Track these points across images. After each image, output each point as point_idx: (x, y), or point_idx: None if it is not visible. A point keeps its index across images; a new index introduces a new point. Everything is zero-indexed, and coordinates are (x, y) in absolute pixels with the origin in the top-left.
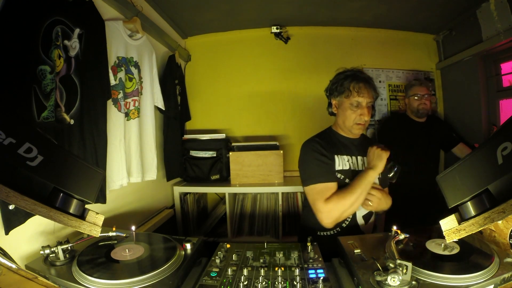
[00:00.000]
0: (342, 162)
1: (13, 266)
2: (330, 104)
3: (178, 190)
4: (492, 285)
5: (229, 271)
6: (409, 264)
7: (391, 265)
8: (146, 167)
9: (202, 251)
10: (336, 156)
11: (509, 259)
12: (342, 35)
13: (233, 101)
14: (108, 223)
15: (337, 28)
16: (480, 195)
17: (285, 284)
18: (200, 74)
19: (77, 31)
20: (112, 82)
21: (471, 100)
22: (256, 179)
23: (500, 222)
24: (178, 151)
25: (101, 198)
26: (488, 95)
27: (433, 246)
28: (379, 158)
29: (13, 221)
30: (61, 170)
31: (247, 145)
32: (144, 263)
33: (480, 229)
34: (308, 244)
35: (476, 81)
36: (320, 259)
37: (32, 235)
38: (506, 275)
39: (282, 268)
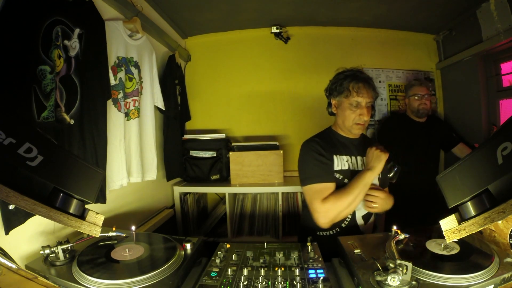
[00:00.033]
0: (341, 162)
1: (13, 266)
2: (329, 104)
3: (178, 190)
4: (492, 285)
5: (229, 271)
6: (409, 264)
7: (391, 265)
8: (146, 167)
9: (202, 251)
10: (335, 156)
11: (509, 259)
12: (342, 35)
13: (233, 101)
14: (108, 223)
15: (337, 28)
16: (480, 195)
17: (285, 284)
18: (200, 74)
19: (77, 31)
20: (112, 82)
21: (471, 100)
22: (256, 179)
23: (500, 222)
24: (178, 151)
25: (101, 198)
26: (488, 95)
27: (433, 246)
28: (378, 160)
29: (13, 221)
30: (61, 170)
31: (247, 145)
32: (144, 263)
33: (480, 229)
34: (308, 244)
35: (476, 81)
36: (320, 259)
37: (32, 235)
38: (506, 275)
39: (282, 268)
